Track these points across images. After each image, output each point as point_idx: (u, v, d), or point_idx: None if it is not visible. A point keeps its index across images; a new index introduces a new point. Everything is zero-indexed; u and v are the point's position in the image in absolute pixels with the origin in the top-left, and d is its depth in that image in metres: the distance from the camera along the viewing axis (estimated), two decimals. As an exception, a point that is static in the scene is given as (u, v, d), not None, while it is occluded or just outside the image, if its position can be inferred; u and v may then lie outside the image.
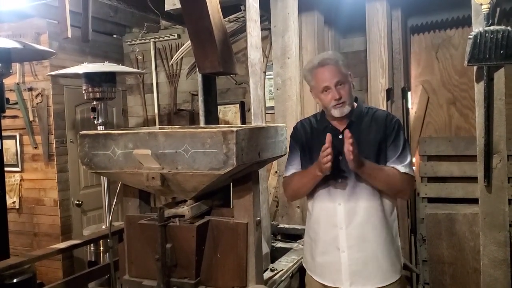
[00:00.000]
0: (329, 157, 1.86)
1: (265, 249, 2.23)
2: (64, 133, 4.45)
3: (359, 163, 1.89)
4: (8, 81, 3.98)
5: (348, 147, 1.83)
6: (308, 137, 2.15)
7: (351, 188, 2.01)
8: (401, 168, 1.99)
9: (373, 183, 1.99)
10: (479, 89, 2.51)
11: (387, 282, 2.02)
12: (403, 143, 2.03)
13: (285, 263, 2.30)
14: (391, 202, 2.08)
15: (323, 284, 2.08)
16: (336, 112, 2.01)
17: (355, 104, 2.10)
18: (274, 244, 2.68)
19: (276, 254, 2.51)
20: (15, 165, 4.52)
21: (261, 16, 2.75)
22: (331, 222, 2.04)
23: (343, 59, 2.08)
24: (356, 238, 2.01)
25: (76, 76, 3.75)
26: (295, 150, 2.18)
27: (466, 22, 3.71)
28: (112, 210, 2.45)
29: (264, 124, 2.60)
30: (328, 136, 1.89)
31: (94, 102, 3.67)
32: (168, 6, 3.25)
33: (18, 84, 4.39)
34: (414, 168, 2.12)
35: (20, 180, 4.54)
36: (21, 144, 4.51)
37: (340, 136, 1.99)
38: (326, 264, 2.06)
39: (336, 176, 2.01)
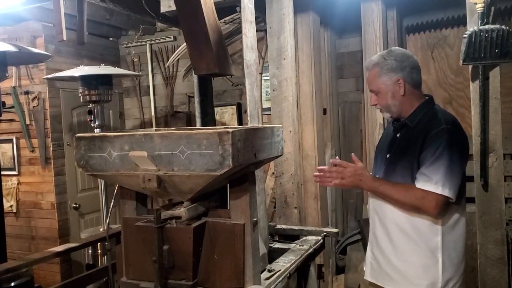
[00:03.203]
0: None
1: (263, 249, 2.23)
2: (61, 136, 4.44)
3: (348, 185, 2.02)
4: (4, 85, 3.99)
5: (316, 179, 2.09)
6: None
7: None
8: (422, 184, 1.84)
9: (384, 199, 1.99)
10: (474, 88, 2.52)
11: None
12: (437, 156, 1.82)
13: (282, 264, 2.29)
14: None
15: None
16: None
17: (416, 106, 1.98)
18: (271, 245, 2.67)
19: (273, 255, 2.51)
20: (12, 169, 4.52)
21: (256, 17, 2.75)
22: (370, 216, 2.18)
23: (392, 60, 1.95)
24: (377, 235, 2.07)
25: (72, 79, 3.75)
26: None
27: (461, 21, 3.72)
28: (109, 212, 2.44)
29: (260, 125, 2.60)
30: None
31: (91, 105, 3.67)
32: (163, 8, 3.26)
33: (14, 87, 4.39)
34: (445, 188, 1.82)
35: (17, 184, 4.54)
36: (18, 148, 4.50)
37: (398, 135, 2.04)
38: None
39: (374, 171, 2.14)
